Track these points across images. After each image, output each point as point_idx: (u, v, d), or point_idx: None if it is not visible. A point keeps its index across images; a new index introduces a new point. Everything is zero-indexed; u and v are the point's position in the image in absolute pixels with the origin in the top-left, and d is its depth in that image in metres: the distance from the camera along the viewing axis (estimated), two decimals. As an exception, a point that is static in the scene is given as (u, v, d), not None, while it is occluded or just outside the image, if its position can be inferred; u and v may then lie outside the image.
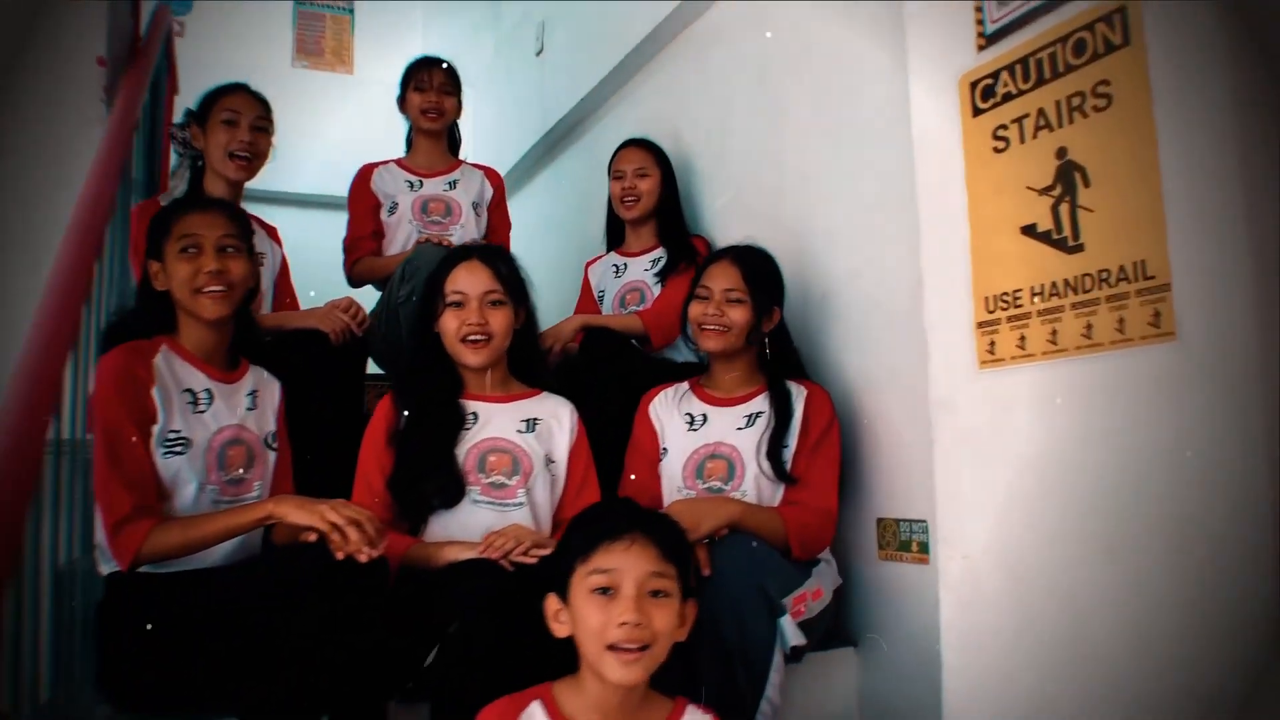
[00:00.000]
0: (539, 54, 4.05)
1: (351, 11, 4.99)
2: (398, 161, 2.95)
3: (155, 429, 1.71)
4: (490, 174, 3.03)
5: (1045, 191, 1.37)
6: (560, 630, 1.35)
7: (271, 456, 1.89)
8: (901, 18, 1.69)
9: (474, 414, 1.99)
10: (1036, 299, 1.38)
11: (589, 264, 2.97)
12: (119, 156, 1.96)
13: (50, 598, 1.71)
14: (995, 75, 1.45)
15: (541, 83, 4.02)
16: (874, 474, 2.18)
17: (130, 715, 1.67)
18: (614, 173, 2.83)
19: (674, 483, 2.09)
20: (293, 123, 3.71)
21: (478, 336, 1.96)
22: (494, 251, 2.06)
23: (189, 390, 1.78)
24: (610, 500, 1.94)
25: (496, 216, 3.00)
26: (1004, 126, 1.44)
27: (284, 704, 1.49)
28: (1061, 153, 1.35)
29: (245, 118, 2.40)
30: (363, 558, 1.55)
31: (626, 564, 1.30)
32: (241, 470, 1.81)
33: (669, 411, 2.17)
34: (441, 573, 1.72)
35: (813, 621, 1.94)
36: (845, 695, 2.16)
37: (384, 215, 2.85)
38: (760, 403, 2.11)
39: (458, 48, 5.00)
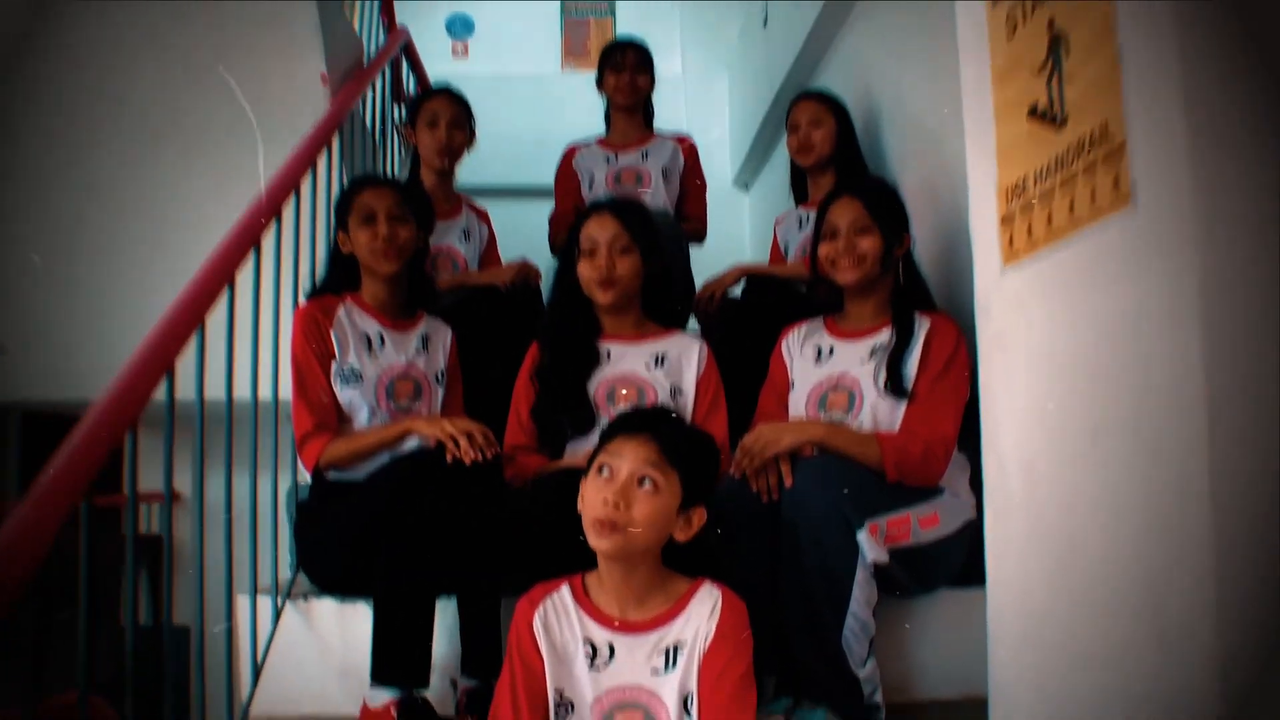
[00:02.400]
0: (765, 25, 4.15)
1: (613, 13, 5.39)
2: (599, 141, 3.23)
3: (334, 364, 2.10)
4: (682, 142, 3.22)
5: (1041, 69, 1.31)
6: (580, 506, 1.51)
7: (440, 391, 2.23)
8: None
9: (608, 352, 2.20)
10: (1037, 184, 1.32)
11: (778, 221, 3.06)
12: (313, 149, 2.41)
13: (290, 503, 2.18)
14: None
15: (767, 55, 4.13)
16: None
17: (320, 589, 2.08)
18: (789, 126, 2.89)
19: (797, 415, 2.15)
20: (559, 118, 4.17)
21: (606, 280, 2.16)
22: (625, 204, 2.25)
23: (365, 334, 2.17)
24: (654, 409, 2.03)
25: (690, 180, 3.17)
26: (1013, 7, 1.39)
27: (412, 583, 1.79)
28: (1051, 24, 1.29)
29: (444, 118, 2.80)
30: (467, 459, 1.82)
31: (625, 453, 1.43)
32: (409, 401, 2.16)
33: (799, 346, 2.22)
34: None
35: (928, 552, 1.91)
36: (978, 636, 2.08)
37: (584, 190, 3.14)
38: (886, 335, 2.11)
39: (712, 36, 5.25)
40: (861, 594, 1.81)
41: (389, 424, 2.06)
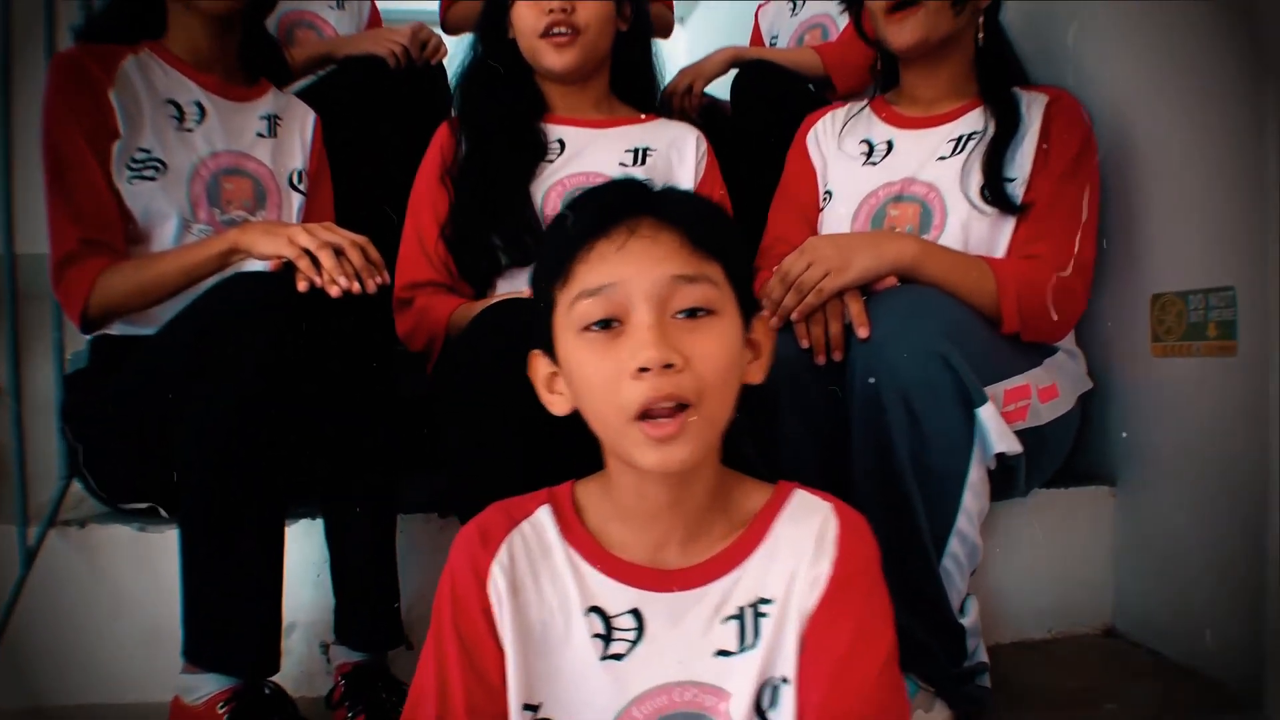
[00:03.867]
0: None
1: None
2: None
3: (117, 146, 1.29)
4: None
5: None
6: (558, 405, 0.81)
7: (296, 200, 1.44)
8: None
9: (559, 141, 1.46)
10: None
11: (760, 7, 2.31)
12: None
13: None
14: None
15: None
16: (1143, 229, 1.45)
17: (107, 506, 1.32)
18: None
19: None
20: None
21: (562, 29, 1.40)
22: None
23: (172, 102, 1.35)
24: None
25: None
26: None
27: (246, 500, 1.05)
28: None
29: None
30: (333, 290, 1.07)
31: (635, 260, 0.73)
32: (244, 210, 1.37)
33: (835, 140, 1.52)
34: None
35: (1043, 434, 1.29)
36: (1095, 553, 1.49)
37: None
38: (975, 120, 1.42)
39: None
40: (974, 502, 1.17)
41: (199, 240, 1.27)
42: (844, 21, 2.05)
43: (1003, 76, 1.44)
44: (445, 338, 1.34)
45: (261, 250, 1.14)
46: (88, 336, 1.32)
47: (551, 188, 1.42)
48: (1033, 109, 1.38)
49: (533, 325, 0.81)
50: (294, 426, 1.07)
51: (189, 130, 1.35)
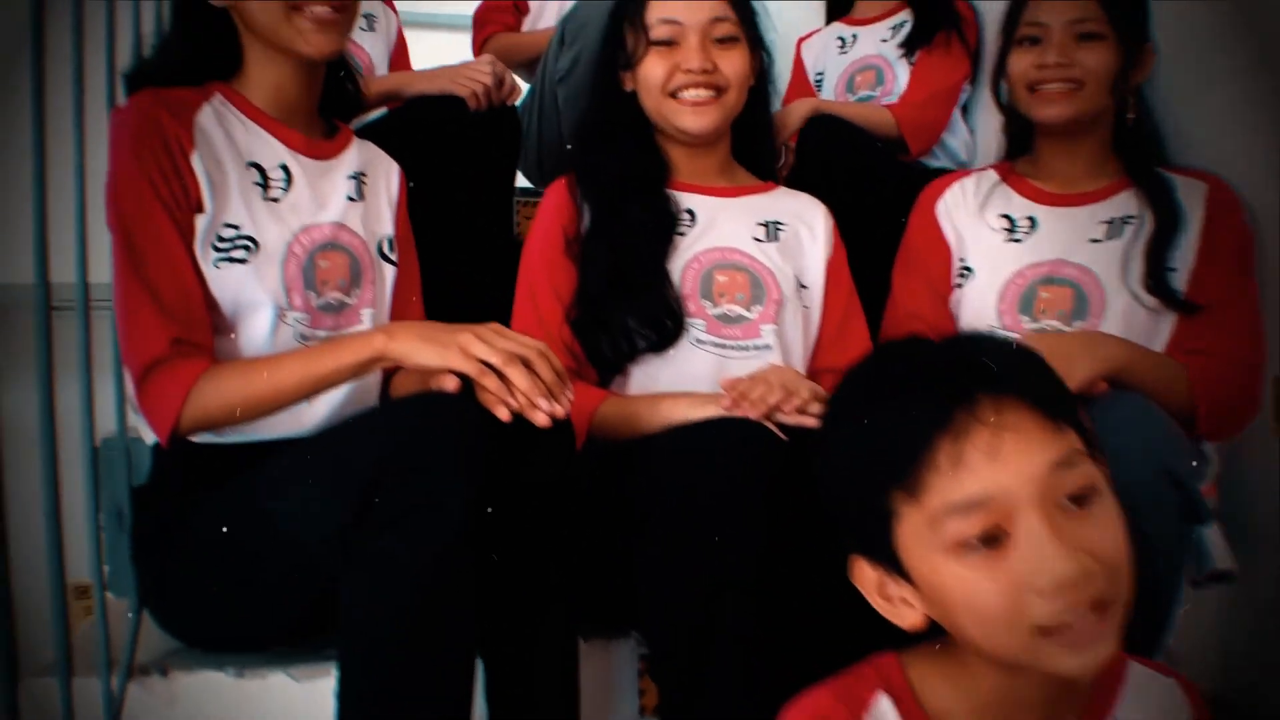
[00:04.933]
0: None
1: None
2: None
3: (201, 221, 1.07)
4: None
5: None
6: (909, 618, 0.69)
7: (389, 272, 1.25)
8: None
9: (689, 211, 1.31)
10: None
11: (802, 40, 2.19)
12: None
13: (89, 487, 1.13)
14: None
15: None
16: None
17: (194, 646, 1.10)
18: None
19: (982, 319, 1.36)
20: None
21: (701, 90, 1.25)
22: None
23: (256, 165, 1.14)
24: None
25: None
26: None
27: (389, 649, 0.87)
28: None
29: None
30: (540, 419, 0.90)
31: (1005, 477, 0.62)
32: (339, 291, 1.17)
33: (971, 213, 1.42)
34: (659, 443, 1.05)
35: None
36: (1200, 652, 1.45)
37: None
38: (1126, 203, 1.35)
39: None
40: (1175, 625, 1.10)
41: (332, 342, 1.07)
42: (902, 67, 1.96)
43: (1150, 156, 1.37)
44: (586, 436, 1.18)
45: (422, 361, 0.96)
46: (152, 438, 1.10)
47: (688, 264, 1.27)
48: (1191, 197, 1.32)
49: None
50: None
51: (275, 200, 1.14)
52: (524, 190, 1.89)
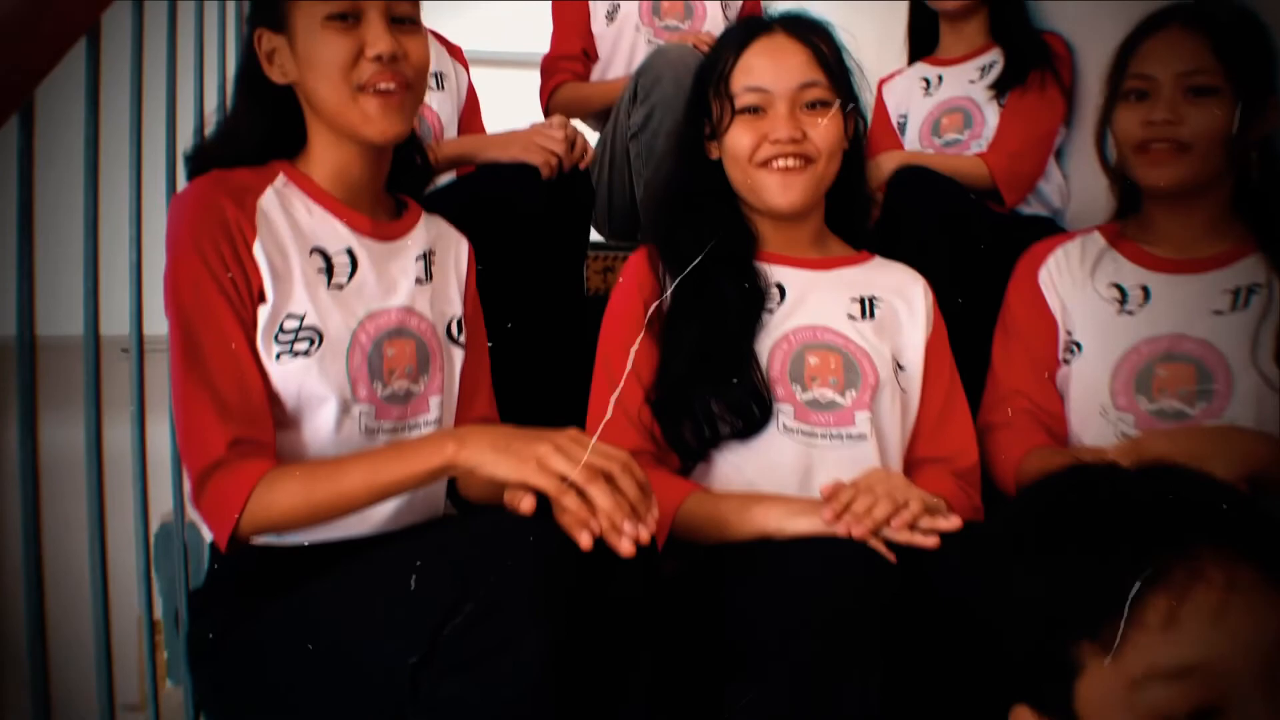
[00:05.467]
0: None
1: None
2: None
3: (264, 312, 1.03)
4: None
5: None
6: None
7: (457, 355, 1.18)
8: None
9: (778, 286, 1.22)
10: None
11: (883, 81, 2.09)
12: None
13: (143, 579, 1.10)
14: None
15: None
16: None
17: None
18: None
19: (1094, 399, 1.26)
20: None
21: (790, 162, 1.17)
22: (805, 21, 1.25)
23: (320, 251, 1.09)
24: None
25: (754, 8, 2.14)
26: None
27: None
28: None
29: None
30: (624, 546, 0.83)
31: (1222, 643, 0.54)
32: (406, 379, 1.11)
33: (1077, 282, 1.32)
34: (753, 555, 0.97)
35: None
36: None
37: (598, 25, 2.06)
38: (1252, 270, 1.23)
39: None
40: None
41: (398, 447, 1.02)
42: (992, 109, 1.86)
43: (1278, 217, 1.25)
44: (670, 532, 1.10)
45: (496, 474, 0.89)
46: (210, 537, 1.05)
47: (777, 344, 1.18)
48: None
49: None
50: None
51: (340, 287, 1.09)
52: (593, 245, 1.83)
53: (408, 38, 1.06)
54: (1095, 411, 1.25)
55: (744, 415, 1.13)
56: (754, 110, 1.18)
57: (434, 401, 1.13)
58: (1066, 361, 1.29)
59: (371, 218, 1.13)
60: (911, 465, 1.21)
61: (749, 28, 1.23)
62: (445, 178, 1.57)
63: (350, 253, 1.10)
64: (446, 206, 1.32)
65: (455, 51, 1.84)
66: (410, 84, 1.07)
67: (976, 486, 1.22)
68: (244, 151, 1.11)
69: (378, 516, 1.05)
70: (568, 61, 2.05)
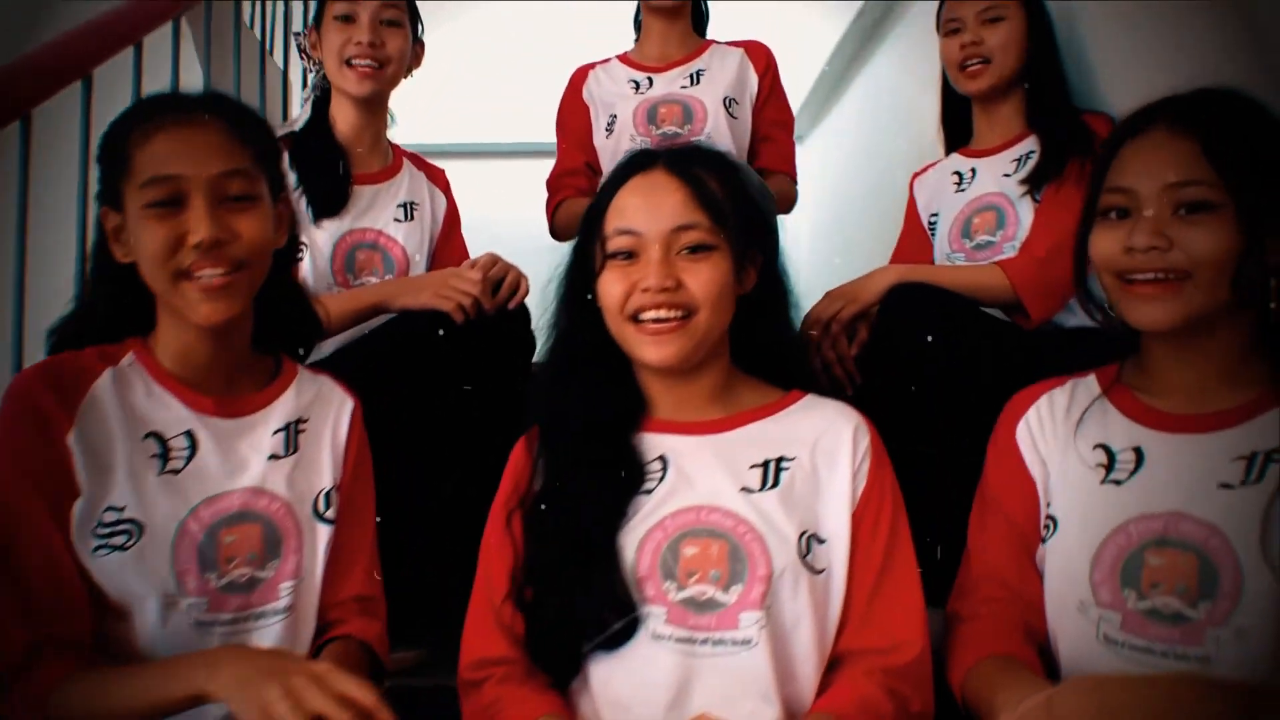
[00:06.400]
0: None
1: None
2: (621, 57, 2.05)
3: (78, 506, 0.97)
4: (754, 50, 2.01)
5: None
6: None
7: (324, 533, 1.09)
8: None
9: (660, 460, 1.05)
10: None
11: (916, 176, 1.90)
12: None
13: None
14: None
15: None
16: None
17: None
18: (945, 24, 1.74)
19: (1071, 591, 1.00)
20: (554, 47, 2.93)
21: (663, 314, 1.02)
22: (693, 155, 1.10)
23: (155, 435, 1.03)
24: None
25: (770, 109, 2.00)
26: None
27: None
28: None
29: (366, 10, 1.62)
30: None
31: None
32: (249, 567, 1.03)
33: (1060, 439, 1.08)
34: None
35: None
36: None
37: (599, 137, 1.98)
38: (1268, 430, 0.96)
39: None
40: None
41: (165, 665, 0.92)
42: (1025, 206, 1.63)
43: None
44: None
45: (236, 711, 0.80)
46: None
47: (649, 533, 1.00)
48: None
49: None
50: None
51: (175, 473, 1.02)
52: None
53: (240, 216, 1.02)
54: (1073, 606, 1.00)
55: (601, 625, 0.96)
56: (627, 255, 1.04)
57: (284, 588, 1.05)
58: (1044, 540, 1.05)
59: (223, 394, 1.07)
60: (835, 660, 1.00)
61: (629, 163, 1.10)
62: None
63: (190, 435, 1.04)
64: (363, 355, 1.24)
65: (436, 175, 1.79)
66: (243, 263, 1.02)
67: (920, 685, 1.00)
68: (96, 330, 1.08)
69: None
70: (570, 177, 1.98)
